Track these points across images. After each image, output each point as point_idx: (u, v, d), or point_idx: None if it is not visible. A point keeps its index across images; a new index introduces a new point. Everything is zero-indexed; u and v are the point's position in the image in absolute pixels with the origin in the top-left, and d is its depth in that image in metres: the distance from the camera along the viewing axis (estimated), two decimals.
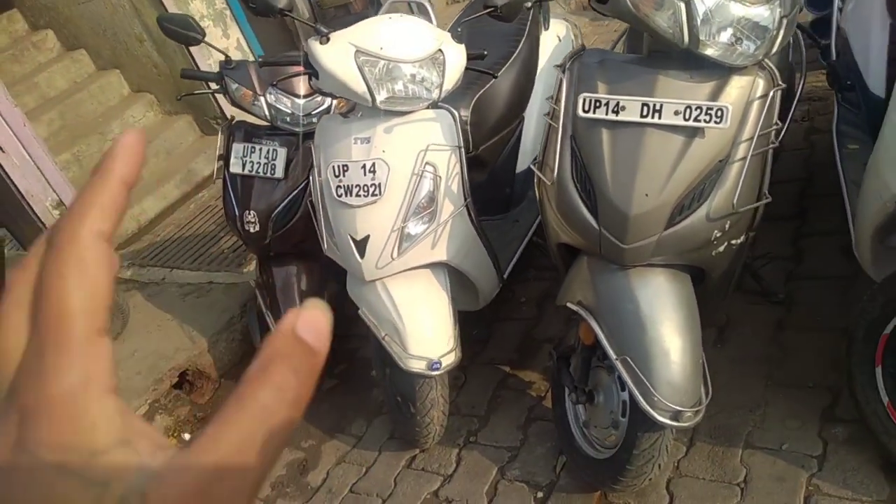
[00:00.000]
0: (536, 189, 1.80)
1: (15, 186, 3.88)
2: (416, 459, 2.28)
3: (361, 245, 2.00)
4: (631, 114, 1.53)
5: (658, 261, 1.61)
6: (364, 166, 1.95)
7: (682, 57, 1.51)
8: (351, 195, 1.98)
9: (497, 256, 2.30)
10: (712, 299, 1.80)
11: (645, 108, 1.51)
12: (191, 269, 3.72)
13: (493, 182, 2.66)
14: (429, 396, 2.10)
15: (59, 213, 4.04)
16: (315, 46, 1.93)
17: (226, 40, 4.91)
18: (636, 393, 1.58)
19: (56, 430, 0.22)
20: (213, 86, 2.55)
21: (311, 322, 0.25)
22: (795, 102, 2.23)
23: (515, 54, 2.60)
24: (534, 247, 2.66)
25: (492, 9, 2.06)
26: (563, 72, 1.68)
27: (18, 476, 0.21)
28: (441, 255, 2.06)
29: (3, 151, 3.80)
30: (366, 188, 1.96)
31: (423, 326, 2.02)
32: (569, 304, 1.77)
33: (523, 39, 2.65)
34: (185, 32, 2.27)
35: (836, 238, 2.22)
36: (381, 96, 1.92)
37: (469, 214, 2.09)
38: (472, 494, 2.05)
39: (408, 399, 2.14)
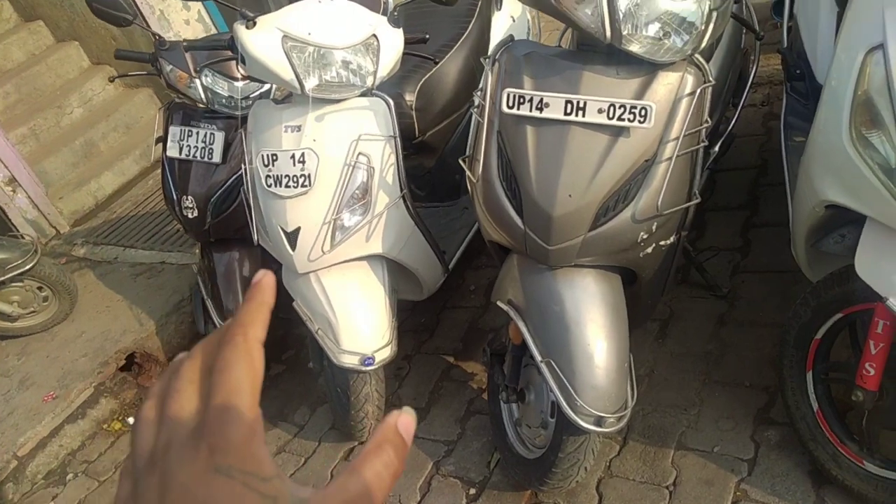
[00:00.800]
0: (468, 185, 1.74)
1: None
2: (353, 451, 2.25)
3: (292, 237, 1.93)
4: (555, 111, 1.46)
5: (585, 262, 1.56)
6: (293, 156, 1.88)
7: (609, 52, 1.44)
8: (280, 186, 1.91)
9: (439, 247, 2.24)
10: (646, 300, 1.75)
11: (569, 106, 1.45)
12: (144, 249, 3.65)
13: (441, 168, 2.60)
14: (363, 391, 2.06)
15: (11, 189, 3.95)
16: (241, 31, 1.84)
17: (186, 12, 4.75)
18: (559, 397, 1.54)
19: (242, 461, 0.32)
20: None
21: (406, 423, 0.36)
22: (748, 87, 2.17)
23: (465, 36, 2.52)
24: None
25: None
26: (492, 64, 1.61)
27: (219, 485, 0.31)
28: (376, 247, 2.00)
29: None
30: (295, 179, 1.89)
31: (356, 321, 1.97)
32: (499, 303, 1.72)
33: (473, 20, 2.56)
34: (113, 13, 2.17)
35: (786, 230, 2.18)
36: (310, 83, 1.85)
37: (406, 205, 2.03)
38: (406, 489, 2.02)
39: (344, 392, 2.11)
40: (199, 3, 4.84)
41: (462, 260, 2.47)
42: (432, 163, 2.61)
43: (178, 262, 3.40)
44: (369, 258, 2.04)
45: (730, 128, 2.01)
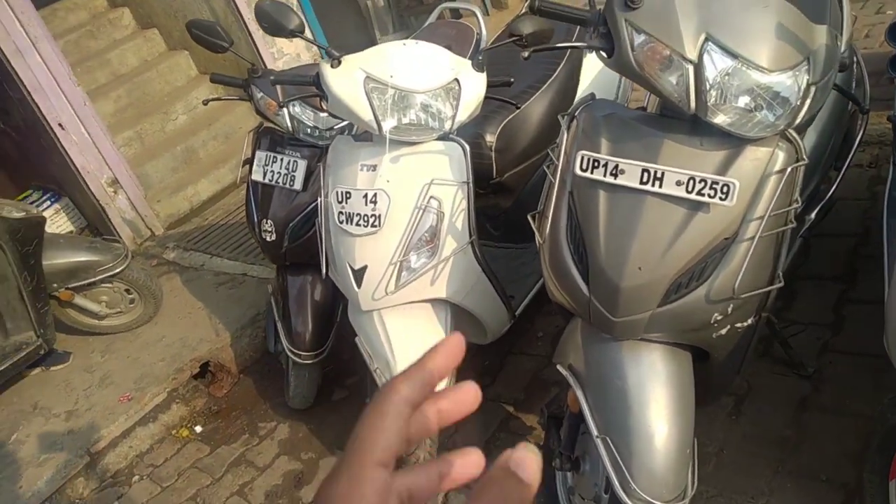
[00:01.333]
0: (536, 241, 1.68)
1: (73, 162, 4.00)
2: None
3: (359, 275, 1.93)
4: (630, 179, 1.39)
5: (653, 337, 1.48)
6: (366, 195, 1.89)
7: (694, 121, 1.36)
8: (352, 223, 1.92)
9: (506, 292, 2.19)
10: (719, 380, 1.65)
11: (645, 175, 1.37)
12: (229, 259, 3.77)
13: (517, 210, 2.55)
14: None
15: (113, 190, 4.16)
16: (325, 69, 1.86)
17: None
18: (613, 478, 1.46)
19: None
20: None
21: (520, 460, 0.35)
22: (854, 148, 2.01)
23: (552, 79, 2.47)
24: None
25: (517, 38, 1.94)
26: (569, 122, 1.55)
27: None
28: (441, 291, 1.97)
29: (63, 129, 3.92)
30: (366, 218, 1.89)
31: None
32: (559, 367, 1.66)
33: (562, 63, 2.50)
34: (210, 39, 2.25)
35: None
36: (388, 125, 1.85)
37: (474, 252, 2.00)
38: None
39: None
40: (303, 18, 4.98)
41: (532, 304, 2.41)
42: (509, 203, 2.56)
43: (259, 276, 3.49)
44: (434, 301, 2.02)
45: (830, 192, 1.87)
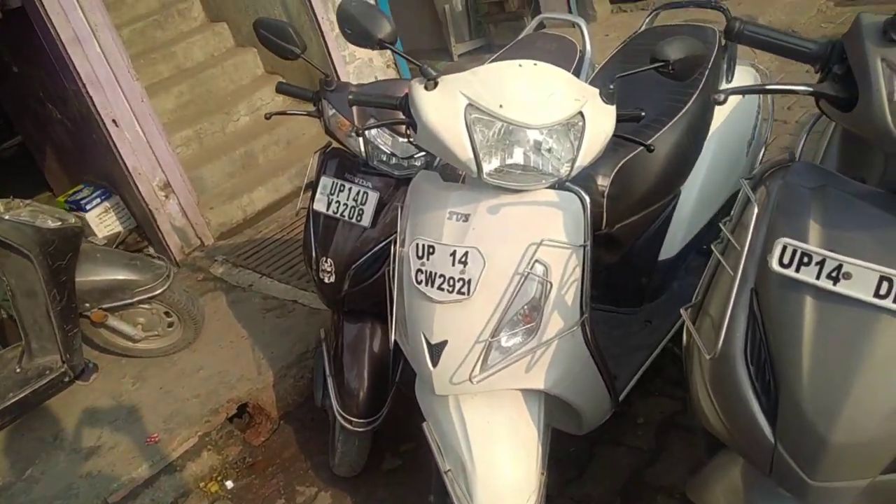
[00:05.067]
0: (685, 343, 1.26)
1: (124, 162, 3.73)
2: None
3: (436, 350, 1.53)
4: (859, 287, 0.96)
5: None
6: (454, 253, 1.48)
7: None
8: (433, 286, 1.51)
9: (612, 376, 1.76)
10: None
11: (885, 285, 0.94)
12: (280, 281, 3.42)
13: (626, 267, 2.12)
14: None
15: (165, 194, 3.88)
16: (418, 92, 1.47)
17: None
18: None
19: None
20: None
21: None
22: None
23: (682, 113, 2.02)
24: (666, 354, 2.10)
25: (661, 63, 1.52)
26: (755, 189, 1.12)
27: None
28: (538, 382, 1.56)
29: (117, 126, 3.65)
30: (452, 282, 1.49)
31: (498, 472, 1.53)
32: None
33: (695, 93, 2.06)
34: (280, 43, 1.89)
35: None
36: (489, 167, 1.44)
37: (585, 334, 1.58)
38: None
39: None
40: None
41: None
42: (615, 258, 2.12)
43: (310, 305, 3.12)
44: (525, 389, 1.60)
45: None
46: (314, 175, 2.24)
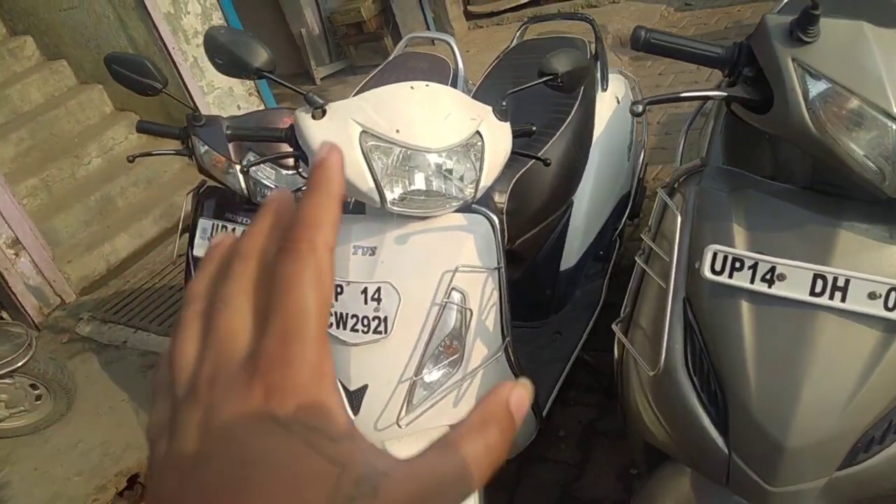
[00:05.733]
0: (616, 357, 1.22)
1: None
2: None
3: (356, 397, 1.42)
4: (794, 288, 0.95)
5: None
6: (365, 291, 1.39)
7: (877, 198, 0.94)
8: (345, 328, 1.41)
9: (537, 397, 1.72)
10: None
11: (819, 283, 0.94)
12: (157, 334, 3.15)
13: (530, 282, 2.09)
14: None
15: (14, 252, 3.49)
16: (305, 122, 1.36)
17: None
18: None
19: (305, 413, 0.25)
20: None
21: (519, 400, 0.31)
22: None
23: (565, 124, 2.03)
24: (576, 363, 2.09)
25: (550, 77, 1.51)
26: (671, 196, 1.11)
27: (275, 440, 0.24)
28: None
29: None
30: (366, 321, 1.39)
31: None
32: None
33: (576, 104, 2.07)
34: (138, 79, 1.71)
35: None
36: (392, 195, 1.36)
37: (509, 358, 1.52)
38: None
39: None
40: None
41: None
42: (518, 274, 2.09)
43: None
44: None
45: None
46: (189, 218, 2.06)
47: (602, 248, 2.27)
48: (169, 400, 0.28)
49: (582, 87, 2.14)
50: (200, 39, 4.27)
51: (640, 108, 0.98)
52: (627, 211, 2.38)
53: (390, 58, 2.65)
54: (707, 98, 1.00)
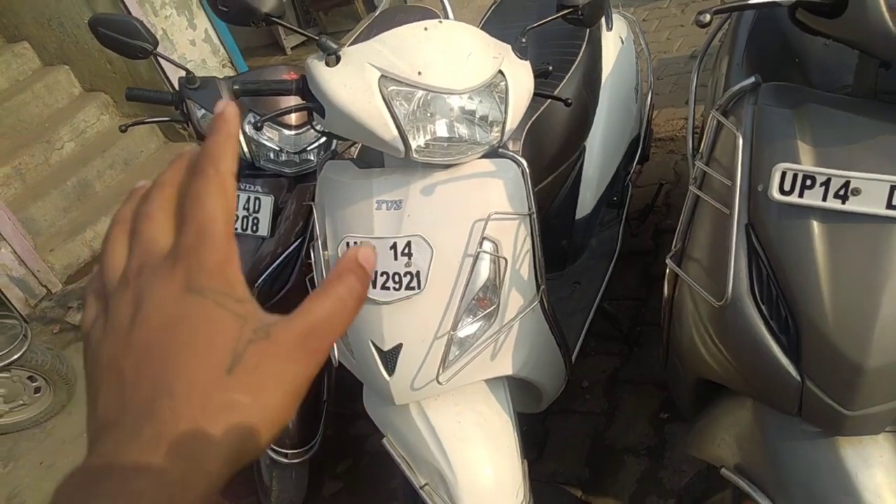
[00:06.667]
0: (666, 295, 1.18)
1: None
2: None
3: (390, 358, 1.36)
4: (871, 202, 0.90)
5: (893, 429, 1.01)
6: (395, 246, 1.32)
7: None
8: (375, 286, 1.34)
9: (568, 347, 1.68)
10: None
11: None
12: None
13: (546, 232, 2.03)
14: None
15: None
16: (319, 70, 1.28)
17: (192, 31, 4.19)
18: None
19: (215, 283, 0.32)
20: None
21: (366, 255, 0.36)
22: None
23: (575, 65, 1.96)
24: (600, 315, 2.05)
25: (570, 9, 1.43)
26: (726, 115, 1.05)
27: (193, 304, 0.31)
28: (506, 367, 1.43)
29: None
30: (397, 278, 1.32)
31: (481, 473, 1.39)
32: (724, 471, 1.15)
33: (584, 45, 2.00)
34: (127, 41, 1.61)
35: None
36: (417, 142, 1.29)
37: (543, 307, 1.47)
38: None
39: None
40: (207, 22, 4.28)
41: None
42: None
43: None
44: (490, 379, 1.47)
45: None
46: None
47: (615, 194, 2.22)
48: (102, 298, 0.34)
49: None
50: (169, 11, 4.11)
51: (708, 17, 0.91)
52: (637, 155, 2.33)
53: (376, 13, 2.55)
54: (776, 4, 0.93)
